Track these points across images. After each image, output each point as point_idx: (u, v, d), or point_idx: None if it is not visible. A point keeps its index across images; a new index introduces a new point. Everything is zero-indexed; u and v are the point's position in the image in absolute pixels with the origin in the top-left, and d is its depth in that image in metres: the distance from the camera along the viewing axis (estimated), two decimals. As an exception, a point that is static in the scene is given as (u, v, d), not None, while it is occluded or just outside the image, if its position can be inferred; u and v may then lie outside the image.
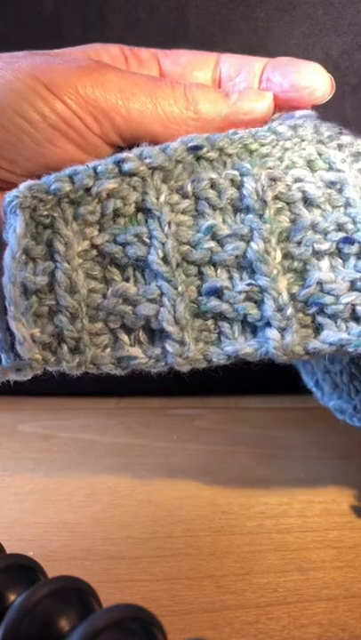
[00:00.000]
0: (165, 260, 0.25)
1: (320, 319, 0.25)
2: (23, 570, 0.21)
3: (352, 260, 0.25)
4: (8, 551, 0.23)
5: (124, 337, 0.26)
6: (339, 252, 0.26)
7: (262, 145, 0.27)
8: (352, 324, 0.25)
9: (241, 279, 0.26)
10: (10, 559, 0.21)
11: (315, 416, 0.37)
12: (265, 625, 0.24)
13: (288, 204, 0.26)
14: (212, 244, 0.26)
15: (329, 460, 0.36)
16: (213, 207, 0.26)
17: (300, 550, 0.28)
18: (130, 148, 0.27)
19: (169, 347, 0.25)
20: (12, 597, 0.20)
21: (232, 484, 0.34)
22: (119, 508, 0.32)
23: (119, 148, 0.27)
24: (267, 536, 0.29)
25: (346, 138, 0.27)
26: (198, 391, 0.44)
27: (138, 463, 0.36)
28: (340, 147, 0.27)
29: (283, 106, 0.29)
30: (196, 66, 0.31)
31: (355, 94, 0.41)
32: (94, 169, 0.26)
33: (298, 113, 0.28)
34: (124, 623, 0.18)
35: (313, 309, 0.25)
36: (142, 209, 0.26)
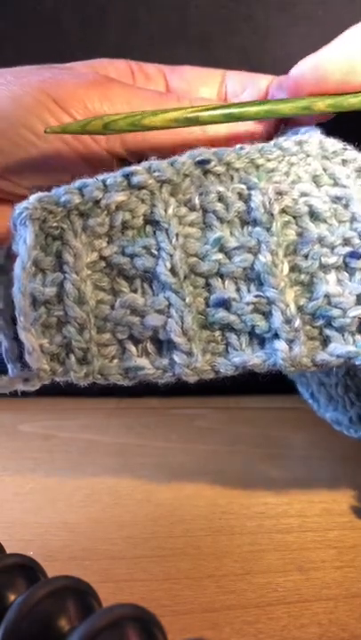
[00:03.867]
0: (173, 271, 0.25)
1: (327, 332, 0.25)
2: (23, 570, 0.21)
3: (358, 275, 0.26)
4: (8, 551, 0.23)
5: (132, 348, 0.26)
6: (346, 266, 0.26)
7: (268, 160, 0.27)
8: (359, 337, 0.25)
9: (249, 291, 0.26)
10: (10, 559, 0.21)
11: (315, 416, 0.37)
12: (265, 625, 0.24)
13: (295, 217, 0.26)
14: (220, 255, 0.26)
15: (329, 460, 0.36)
16: (221, 220, 0.26)
17: (300, 550, 0.28)
18: (138, 161, 0.27)
19: (176, 358, 0.25)
20: (11, 597, 0.20)
21: (232, 484, 0.34)
22: (119, 508, 0.32)
23: (126, 162, 0.27)
24: (267, 536, 0.29)
25: (350, 153, 0.28)
26: (198, 391, 0.44)
27: (138, 463, 0.37)
28: (344, 162, 0.27)
29: (288, 123, 0.29)
30: (202, 82, 0.31)
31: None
32: (103, 182, 0.26)
33: (303, 129, 0.29)
34: (124, 623, 0.18)
35: (320, 322, 0.25)
36: (150, 221, 0.26)
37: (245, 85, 0.31)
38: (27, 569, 0.21)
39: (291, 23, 0.40)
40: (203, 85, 0.31)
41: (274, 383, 0.36)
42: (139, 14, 0.40)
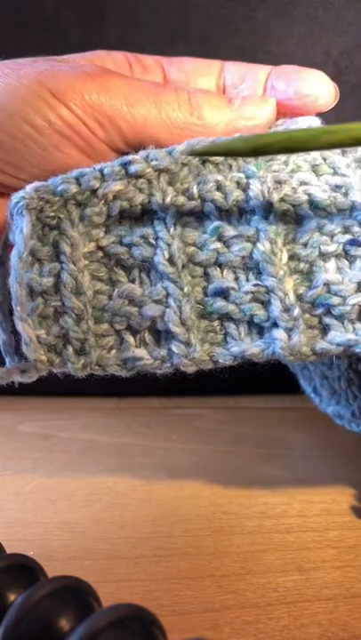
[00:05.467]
0: (171, 261, 0.25)
1: (327, 320, 0.25)
2: (23, 570, 0.21)
3: (359, 262, 0.25)
4: (8, 551, 0.23)
5: (130, 338, 0.26)
6: (345, 254, 0.26)
7: None
8: (359, 325, 0.25)
9: (247, 280, 0.26)
10: (10, 559, 0.21)
11: (315, 416, 0.36)
12: (265, 625, 0.24)
13: (294, 206, 0.26)
14: (219, 244, 0.26)
15: (329, 460, 0.36)
16: (219, 209, 0.26)
17: (300, 550, 0.28)
18: (136, 153, 0.27)
19: (175, 348, 0.25)
20: (11, 597, 0.20)
21: (232, 484, 0.34)
22: (119, 508, 0.32)
23: (124, 154, 0.27)
24: (267, 536, 0.29)
25: None
26: (198, 391, 0.44)
27: (138, 463, 0.36)
28: (344, 152, 0.27)
29: (287, 113, 0.29)
30: (201, 73, 0.31)
31: (355, 94, 0.41)
32: (101, 171, 0.26)
33: (301, 118, 0.29)
34: (124, 623, 0.18)
35: (320, 310, 0.25)
36: (148, 210, 0.26)
37: (244, 76, 0.30)
38: (27, 569, 0.21)
39: (291, 23, 0.40)
40: (201, 77, 0.31)
41: (274, 383, 0.36)
42: (139, 14, 0.40)
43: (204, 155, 0.26)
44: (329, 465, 0.36)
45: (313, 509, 0.31)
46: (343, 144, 0.24)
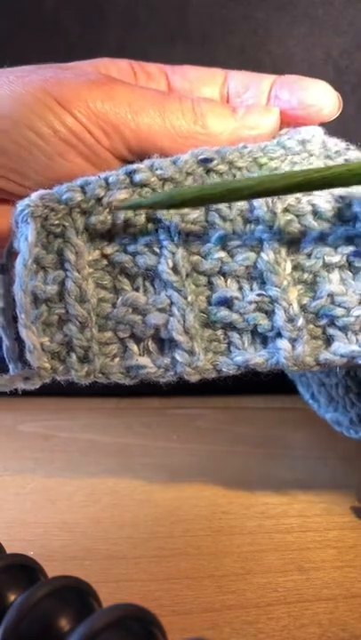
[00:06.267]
0: (175, 269, 0.25)
1: (331, 331, 0.25)
2: (23, 570, 0.21)
3: None
4: (8, 551, 0.23)
5: (134, 346, 0.26)
6: (349, 266, 0.26)
7: (271, 159, 0.27)
8: None
9: (251, 289, 0.26)
10: (10, 559, 0.21)
11: (315, 416, 0.37)
12: (265, 625, 0.24)
13: (298, 216, 0.26)
14: (223, 254, 0.26)
15: (329, 460, 0.36)
16: (223, 218, 0.26)
17: (300, 550, 0.28)
18: (140, 161, 0.27)
19: (178, 356, 0.25)
20: (11, 597, 0.20)
21: (232, 484, 0.34)
22: (119, 508, 0.32)
23: (128, 162, 0.27)
24: (267, 536, 0.29)
25: (353, 153, 0.28)
26: (199, 391, 0.44)
27: (138, 463, 0.36)
28: (347, 162, 0.27)
29: (290, 123, 0.29)
30: (204, 81, 0.31)
31: (355, 94, 0.41)
32: (106, 179, 0.26)
33: (305, 128, 0.29)
34: (124, 623, 0.18)
35: (324, 321, 0.25)
36: (152, 219, 0.26)
37: (248, 85, 0.30)
38: (27, 569, 0.21)
39: (291, 23, 0.40)
40: (205, 85, 0.31)
41: (274, 383, 0.36)
42: (139, 14, 0.40)
43: (150, 208, 0.25)
44: (329, 465, 0.36)
45: (313, 509, 0.31)
46: (302, 188, 0.24)
